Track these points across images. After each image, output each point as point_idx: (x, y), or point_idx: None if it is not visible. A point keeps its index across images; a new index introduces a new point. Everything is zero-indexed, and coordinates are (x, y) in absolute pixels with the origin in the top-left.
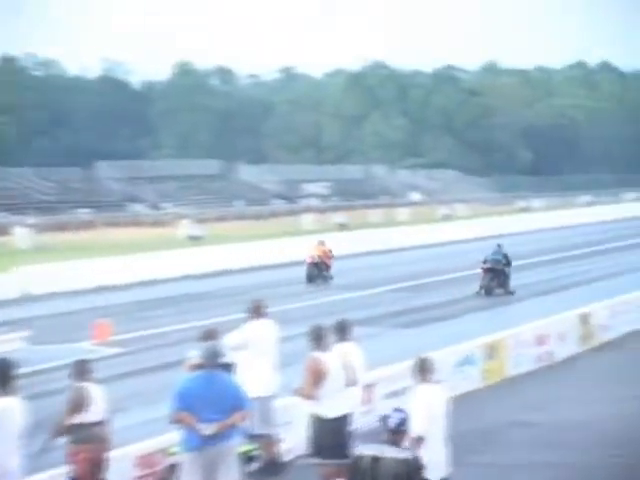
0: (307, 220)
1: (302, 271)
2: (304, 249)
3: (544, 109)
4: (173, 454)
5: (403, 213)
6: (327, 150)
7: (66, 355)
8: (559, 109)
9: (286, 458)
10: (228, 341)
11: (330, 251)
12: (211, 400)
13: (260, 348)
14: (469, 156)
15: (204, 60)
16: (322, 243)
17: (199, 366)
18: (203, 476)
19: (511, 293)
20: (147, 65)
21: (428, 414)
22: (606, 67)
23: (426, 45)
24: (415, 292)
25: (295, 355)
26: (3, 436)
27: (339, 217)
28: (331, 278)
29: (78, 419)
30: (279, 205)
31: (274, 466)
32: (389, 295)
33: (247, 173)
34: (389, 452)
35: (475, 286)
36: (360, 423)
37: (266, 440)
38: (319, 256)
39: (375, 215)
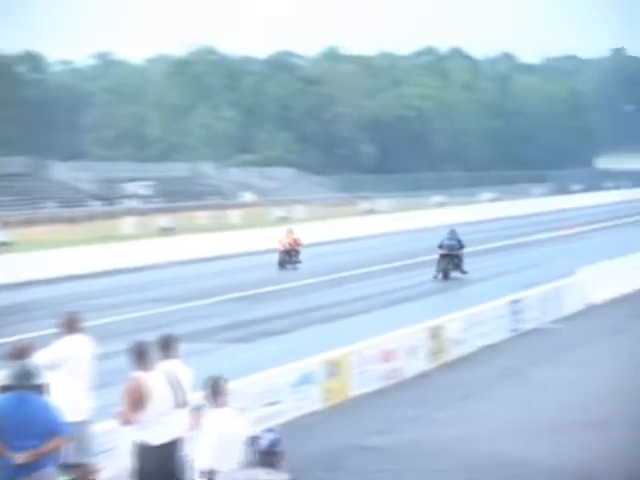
0: (127, 224)
1: (120, 280)
2: (122, 256)
3: (390, 99)
4: None
5: (235, 215)
6: (150, 145)
7: None
8: (406, 99)
9: None
10: (39, 359)
11: (299, 239)
12: (22, 425)
13: (74, 367)
14: (307, 152)
15: (9, 45)
16: (291, 231)
17: (7, 388)
18: None
19: (465, 273)
20: None
21: (219, 444)
22: (457, 53)
23: (259, 28)
24: (250, 303)
25: (115, 374)
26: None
27: (163, 220)
28: (300, 263)
29: None
30: (96, 207)
31: None
32: (220, 307)
33: (59, 171)
34: (263, 475)
35: (318, 295)
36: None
37: (82, 470)
38: (289, 244)
39: (204, 218)
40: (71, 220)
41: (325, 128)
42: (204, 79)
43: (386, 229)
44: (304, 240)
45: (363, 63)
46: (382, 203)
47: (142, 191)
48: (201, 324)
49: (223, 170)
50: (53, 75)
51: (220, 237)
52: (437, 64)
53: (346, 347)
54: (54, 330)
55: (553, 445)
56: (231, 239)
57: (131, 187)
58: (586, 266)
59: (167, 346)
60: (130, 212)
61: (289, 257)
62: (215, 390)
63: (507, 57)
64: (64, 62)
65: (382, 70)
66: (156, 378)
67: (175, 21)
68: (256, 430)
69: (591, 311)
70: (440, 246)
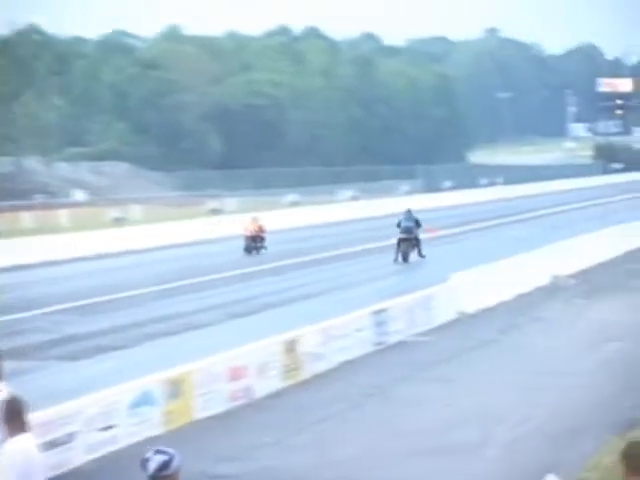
0: None
1: None
2: None
3: (238, 86)
4: None
5: (64, 216)
6: None
7: None
8: (257, 86)
9: None
10: None
11: (264, 226)
12: None
13: None
14: (146, 145)
15: None
16: (256, 219)
17: None
18: None
19: (423, 256)
20: None
21: (21, 474)
22: (313, 34)
23: (90, 4)
24: (81, 315)
25: None
26: None
27: None
28: (265, 249)
29: None
30: None
31: None
32: (50, 318)
33: None
34: None
35: (162, 304)
36: None
37: None
38: (255, 230)
39: (28, 219)
40: None
41: (165, 118)
42: (28, 62)
43: (232, 232)
44: (146, 243)
45: (208, 45)
46: (230, 202)
47: None
48: (25, 339)
49: (50, 165)
50: None
51: (47, 240)
52: (291, 46)
53: (188, 364)
54: None
55: (413, 472)
56: (60, 243)
57: None
58: (457, 272)
59: None
60: None
61: (254, 243)
62: (12, 413)
63: (369, 38)
64: None
65: (229, 53)
66: None
67: None
68: (147, 452)
69: (463, 321)
70: (398, 225)
